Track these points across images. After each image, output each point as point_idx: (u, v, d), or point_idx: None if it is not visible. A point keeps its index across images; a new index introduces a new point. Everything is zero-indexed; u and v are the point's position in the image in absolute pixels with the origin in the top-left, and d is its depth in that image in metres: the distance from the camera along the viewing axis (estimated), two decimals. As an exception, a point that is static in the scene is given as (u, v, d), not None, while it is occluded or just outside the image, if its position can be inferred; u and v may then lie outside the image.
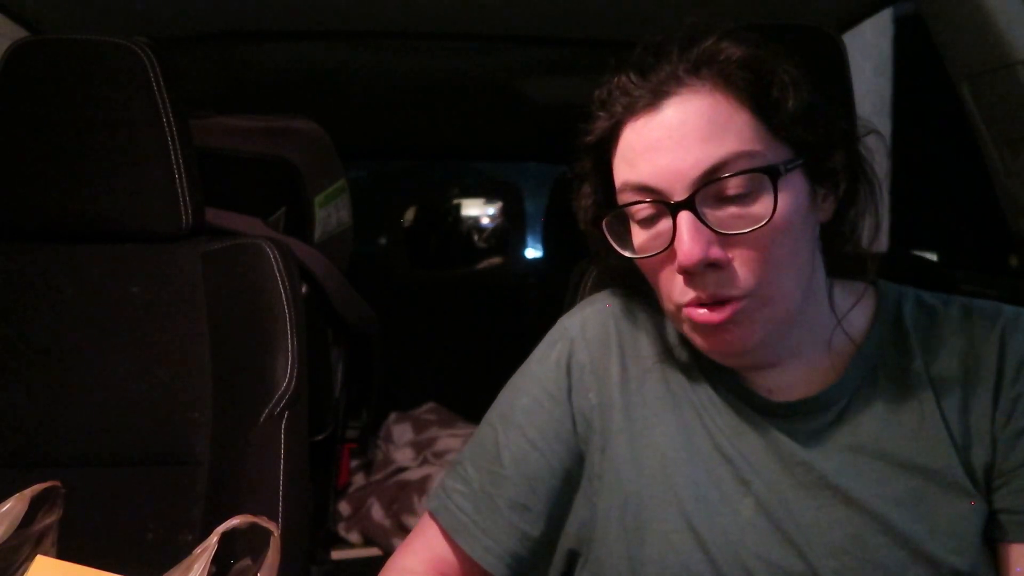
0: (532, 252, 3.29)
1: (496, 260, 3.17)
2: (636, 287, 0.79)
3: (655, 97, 0.68)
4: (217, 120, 1.62)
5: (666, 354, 0.78)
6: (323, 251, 1.61)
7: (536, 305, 2.81)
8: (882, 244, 0.77)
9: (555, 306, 1.00)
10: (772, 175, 0.65)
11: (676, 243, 0.66)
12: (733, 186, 0.65)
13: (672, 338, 0.79)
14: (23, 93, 1.06)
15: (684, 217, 0.65)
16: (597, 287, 1.02)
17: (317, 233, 1.65)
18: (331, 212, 1.71)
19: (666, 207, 0.67)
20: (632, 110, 0.69)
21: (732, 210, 0.66)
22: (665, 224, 0.68)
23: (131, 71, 1.04)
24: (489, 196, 3.31)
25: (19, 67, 1.06)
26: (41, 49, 1.06)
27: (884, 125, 3.35)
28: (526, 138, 2.78)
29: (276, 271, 1.06)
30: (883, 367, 0.73)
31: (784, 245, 0.67)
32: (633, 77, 0.69)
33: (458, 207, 3.33)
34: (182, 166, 1.06)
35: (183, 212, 1.07)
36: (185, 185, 1.07)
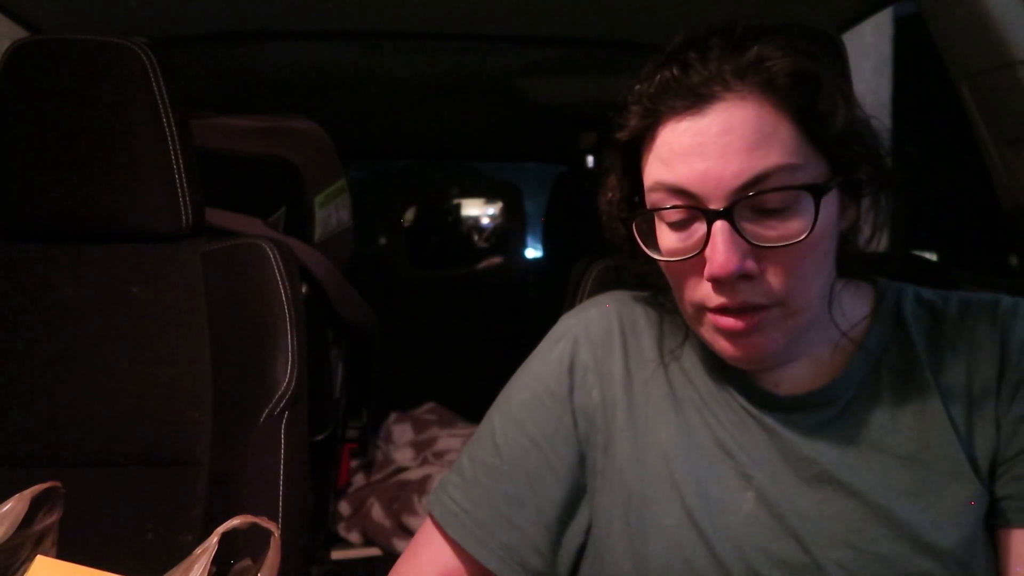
0: (532, 252, 3.28)
1: (496, 260, 3.17)
2: (647, 284, 0.79)
3: (698, 99, 0.65)
4: (217, 120, 1.62)
5: (668, 355, 0.79)
6: (323, 251, 1.61)
7: (536, 305, 2.80)
8: (882, 244, 0.77)
9: (555, 306, 1.00)
10: (815, 193, 0.64)
11: (709, 251, 0.65)
12: (773, 200, 0.64)
13: (674, 339, 0.79)
14: (23, 93, 1.06)
15: (720, 226, 0.64)
16: (597, 287, 1.01)
17: (317, 233, 1.65)
18: (331, 212, 1.71)
19: (702, 214, 0.65)
20: (673, 109, 0.67)
21: (769, 223, 0.65)
22: (697, 229, 0.67)
23: (131, 71, 1.04)
24: (489, 196, 3.30)
25: (19, 67, 1.05)
26: (41, 49, 1.06)
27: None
28: (526, 138, 2.78)
29: (276, 271, 1.06)
30: (886, 362, 0.73)
31: (815, 258, 0.67)
32: (676, 72, 0.67)
33: (458, 207, 3.32)
34: (182, 166, 1.06)
35: (183, 212, 1.07)
36: (185, 185, 1.07)
